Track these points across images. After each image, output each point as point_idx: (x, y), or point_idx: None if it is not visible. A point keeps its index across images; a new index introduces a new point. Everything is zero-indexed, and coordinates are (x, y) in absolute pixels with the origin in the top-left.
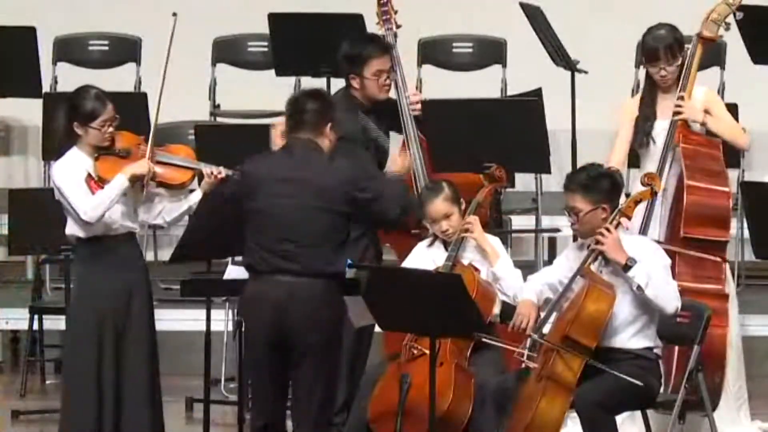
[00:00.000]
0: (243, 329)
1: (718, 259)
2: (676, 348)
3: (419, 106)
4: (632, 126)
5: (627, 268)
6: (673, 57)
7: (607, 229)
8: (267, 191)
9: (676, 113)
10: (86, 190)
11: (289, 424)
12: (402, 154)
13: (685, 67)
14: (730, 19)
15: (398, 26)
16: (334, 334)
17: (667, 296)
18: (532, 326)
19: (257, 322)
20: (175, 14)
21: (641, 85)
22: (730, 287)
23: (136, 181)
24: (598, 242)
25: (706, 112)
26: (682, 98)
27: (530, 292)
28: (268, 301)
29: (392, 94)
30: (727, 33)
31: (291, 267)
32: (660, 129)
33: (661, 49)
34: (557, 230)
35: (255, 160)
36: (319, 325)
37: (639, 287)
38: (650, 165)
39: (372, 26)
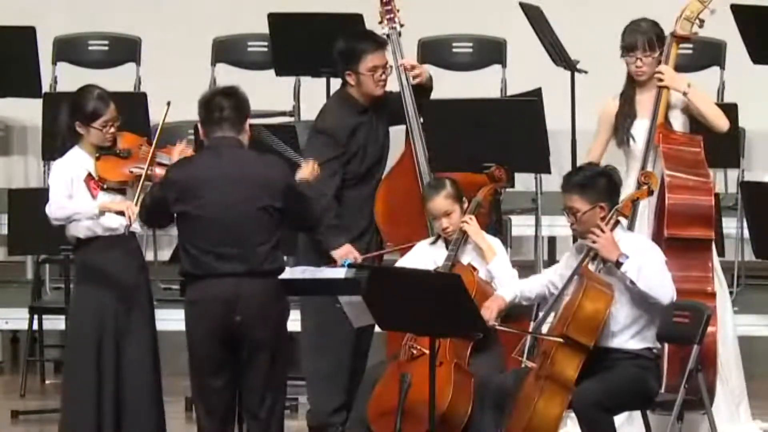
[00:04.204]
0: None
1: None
2: (666, 348)
3: (417, 72)
4: (610, 126)
5: (619, 264)
6: (650, 48)
7: (601, 229)
8: (201, 195)
9: (658, 80)
10: (73, 193)
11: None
12: (308, 162)
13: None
14: (705, 15)
15: (402, 25)
16: (282, 330)
17: (661, 287)
18: (493, 318)
19: (206, 324)
20: (168, 103)
21: None
22: (721, 285)
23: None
24: (593, 241)
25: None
26: (662, 65)
27: (510, 289)
28: (215, 301)
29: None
30: (727, 33)
31: (234, 268)
32: (640, 128)
33: (638, 38)
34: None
35: (182, 165)
36: (267, 322)
37: (631, 281)
38: (634, 164)
39: (372, 26)
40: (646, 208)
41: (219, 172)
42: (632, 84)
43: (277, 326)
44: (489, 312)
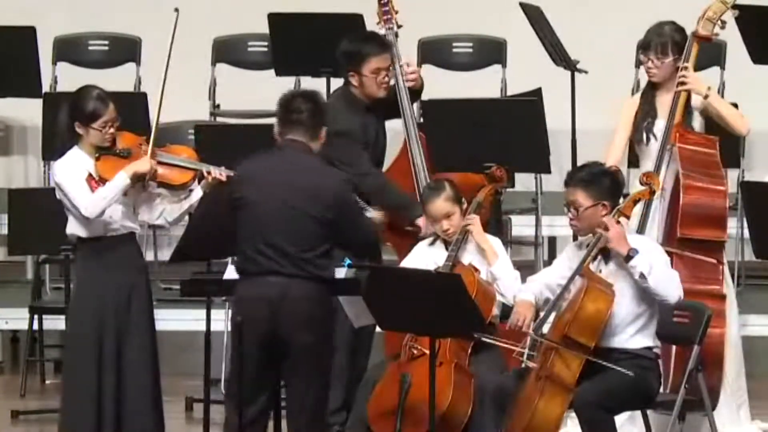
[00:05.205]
0: (240, 328)
1: (714, 260)
2: (674, 348)
3: (414, 76)
4: (631, 125)
5: (629, 258)
6: (662, 53)
7: (612, 221)
8: (258, 193)
9: (680, 83)
10: (87, 188)
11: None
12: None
13: (681, 66)
14: (727, 17)
15: (399, 26)
16: (326, 335)
17: (669, 285)
18: (528, 325)
19: (250, 322)
20: (176, 10)
21: (641, 85)
22: (729, 287)
23: (138, 179)
24: (605, 229)
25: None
26: (686, 68)
27: (528, 292)
28: (260, 300)
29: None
30: (727, 33)
31: (282, 269)
32: (660, 128)
33: (653, 40)
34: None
35: (249, 161)
36: (311, 326)
37: (642, 275)
38: (649, 164)
39: (372, 26)
40: (657, 210)
41: (277, 173)
42: (653, 85)
43: (320, 330)
44: (522, 319)
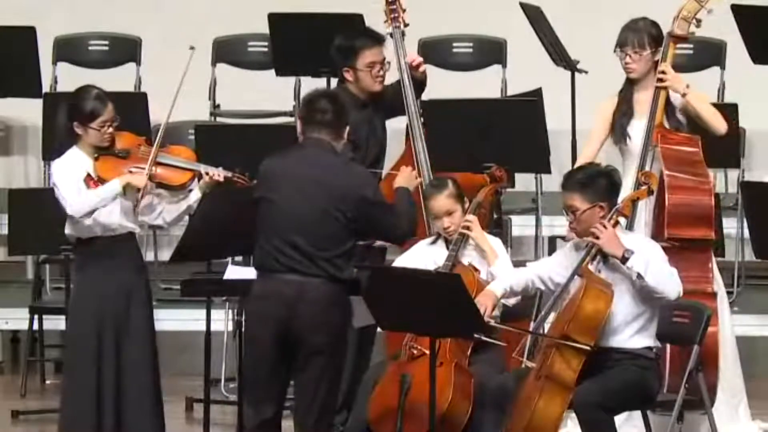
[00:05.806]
0: (243, 327)
1: (668, 244)
2: (668, 348)
3: (421, 68)
4: (607, 125)
5: (624, 260)
6: (640, 46)
7: (603, 225)
8: (279, 189)
9: (659, 80)
10: (81, 188)
11: (290, 424)
12: (405, 169)
13: (658, 66)
14: (702, 15)
15: (406, 24)
16: (340, 337)
17: (668, 281)
18: (488, 315)
19: (264, 320)
20: (192, 47)
21: None
22: (719, 285)
23: (131, 190)
24: (596, 237)
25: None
26: (663, 68)
27: (505, 282)
28: (276, 299)
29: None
30: (727, 33)
31: (300, 267)
32: (637, 128)
33: (629, 35)
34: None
35: (271, 158)
36: (326, 327)
37: (639, 275)
38: (632, 164)
39: (372, 26)
40: (643, 210)
41: (298, 171)
42: (631, 83)
43: (335, 331)
44: (483, 309)
